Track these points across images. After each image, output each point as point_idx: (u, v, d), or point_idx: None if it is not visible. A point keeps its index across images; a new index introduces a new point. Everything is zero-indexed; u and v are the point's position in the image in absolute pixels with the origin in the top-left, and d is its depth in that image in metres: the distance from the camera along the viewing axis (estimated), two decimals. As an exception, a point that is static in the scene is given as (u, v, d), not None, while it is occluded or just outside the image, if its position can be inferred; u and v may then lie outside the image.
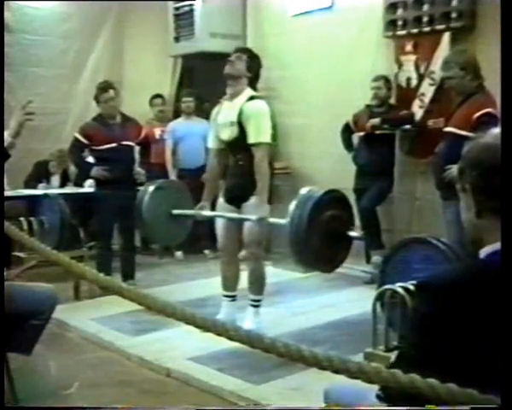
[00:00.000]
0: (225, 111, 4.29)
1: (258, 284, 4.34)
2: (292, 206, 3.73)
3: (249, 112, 4.12)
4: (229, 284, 4.46)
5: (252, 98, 4.19)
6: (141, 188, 5.13)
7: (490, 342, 1.24)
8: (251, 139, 4.11)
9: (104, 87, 5.58)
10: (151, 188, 4.72)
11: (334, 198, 3.84)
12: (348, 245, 3.90)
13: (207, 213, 4.47)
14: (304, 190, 3.83)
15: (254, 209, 4.10)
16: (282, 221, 3.80)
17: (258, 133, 4.11)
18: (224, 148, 4.38)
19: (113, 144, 5.48)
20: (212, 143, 4.47)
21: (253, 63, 4.32)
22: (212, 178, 4.56)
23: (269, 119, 4.21)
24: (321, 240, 3.67)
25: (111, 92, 5.52)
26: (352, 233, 3.87)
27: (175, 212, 4.62)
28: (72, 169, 7.03)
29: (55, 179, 7.16)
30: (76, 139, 5.61)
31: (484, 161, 1.36)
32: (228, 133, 4.24)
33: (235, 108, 4.16)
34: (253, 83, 4.31)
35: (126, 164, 5.54)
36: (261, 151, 4.10)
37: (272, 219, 4.07)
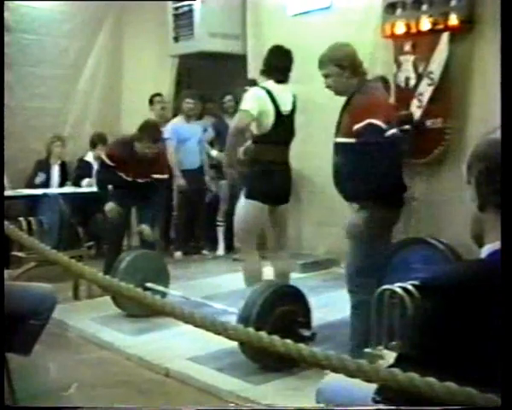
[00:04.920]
0: None
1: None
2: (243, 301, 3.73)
3: None
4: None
5: None
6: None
7: (492, 343, 1.24)
8: None
9: (154, 136, 5.30)
10: (128, 257, 4.86)
11: (287, 294, 3.81)
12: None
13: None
14: (258, 284, 3.83)
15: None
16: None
17: None
18: None
19: (142, 180, 5.35)
20: None
21: None
22: None
23: None
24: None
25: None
26: (305, 332, 3.72)
27: (148, 285, 4.67)
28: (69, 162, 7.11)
29: (55, 170, 7.15)
30: (104, 162, 5.42)
31: (491, 155, 1.37)
32: None
33: None
34: None
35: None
36: None
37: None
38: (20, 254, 5.05)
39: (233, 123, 4.53)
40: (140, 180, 5.33)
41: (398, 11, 5.66)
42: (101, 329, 4.54)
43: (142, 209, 5.50)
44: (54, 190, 6.60)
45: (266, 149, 4.37)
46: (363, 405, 1.55)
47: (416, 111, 5.63)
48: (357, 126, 3.46)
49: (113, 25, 7.95)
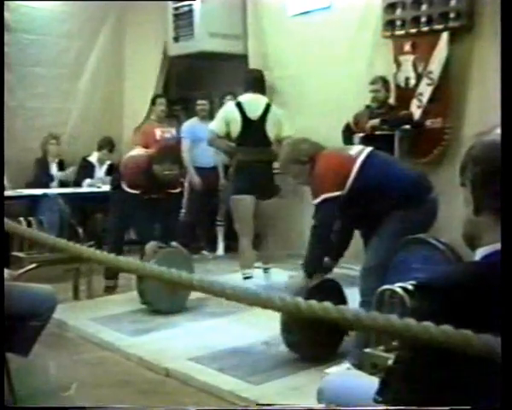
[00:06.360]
0: None
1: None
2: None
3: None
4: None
5: None
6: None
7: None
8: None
9: (174, 159, 5.21)
10: (157, 255, 4.89)
11: (327, 288, 3.81)
12: (340, 336, 3.79)
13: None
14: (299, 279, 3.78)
15: None
16: None
17: None
18: None
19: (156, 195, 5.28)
20: None
21: None
22: None
23: None
24: (312, 330, 3.56)
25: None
26: None
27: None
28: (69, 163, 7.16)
29: (53, 168, 7.16)
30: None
31: (486, 158, 1.36)
32: None
33: None
34: None
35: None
36: None
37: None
38: (20, 254, 5.05)
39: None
40: (154, 196, 5.28)
41: (398, 11, 5.67)
42: (101, 329, 4.53)
43: (162, 224, 5.35)
44: (54, 190, 6.60)
45: (240, 149, 5.14)
46: (364, 404, 1.55)
47: (416, 111, 5.64)
48: (315, 201, 3.66)
49: (113, 25, 7.95)
